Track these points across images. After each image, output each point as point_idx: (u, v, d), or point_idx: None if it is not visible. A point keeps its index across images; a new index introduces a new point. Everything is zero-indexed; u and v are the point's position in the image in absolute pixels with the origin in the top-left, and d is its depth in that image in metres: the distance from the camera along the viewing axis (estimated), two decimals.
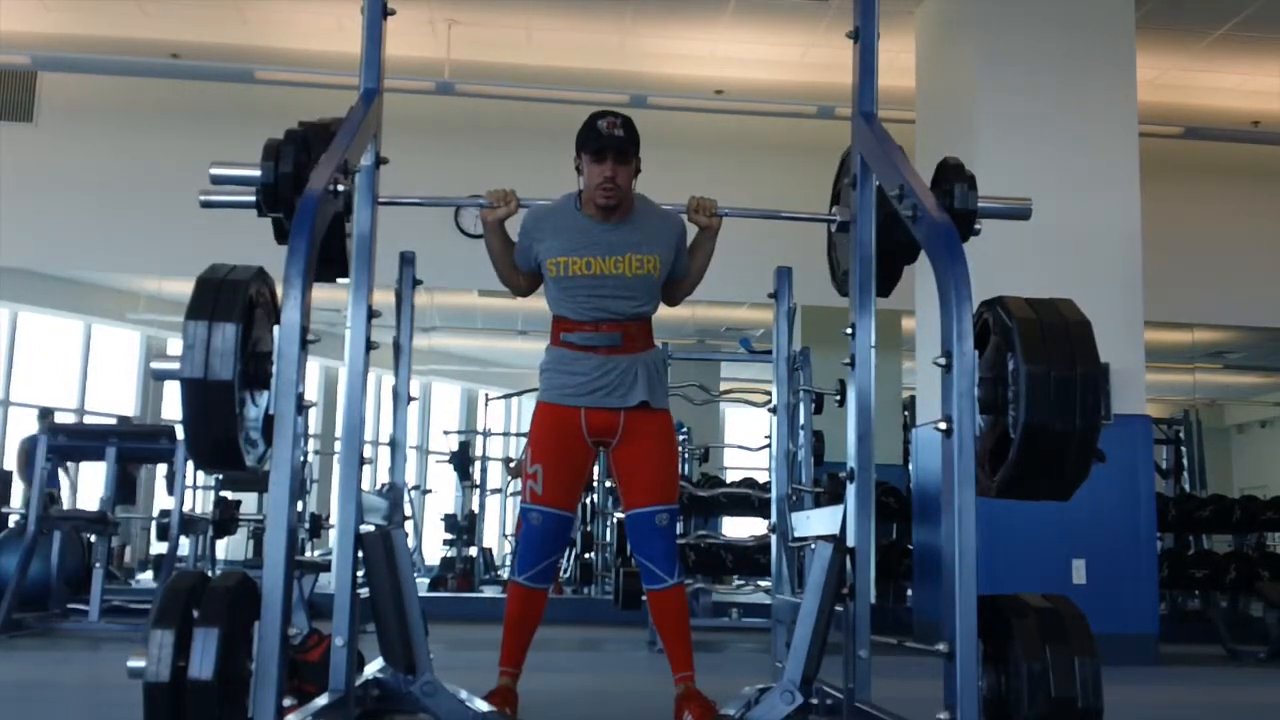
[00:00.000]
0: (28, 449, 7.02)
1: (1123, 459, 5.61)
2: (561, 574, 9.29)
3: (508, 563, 11.11)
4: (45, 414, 9.64)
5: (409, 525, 3.53)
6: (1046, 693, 2.09)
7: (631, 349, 3.14)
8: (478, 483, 11.23)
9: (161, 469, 8.91)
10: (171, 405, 11.68)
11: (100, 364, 12.32)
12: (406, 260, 3.66)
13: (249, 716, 2.03)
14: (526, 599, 3.15)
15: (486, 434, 11.57)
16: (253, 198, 2.57)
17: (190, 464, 6.21)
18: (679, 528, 3.23)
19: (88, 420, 11.65)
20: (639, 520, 3.13)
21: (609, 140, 3.03)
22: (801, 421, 6.07)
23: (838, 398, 5.52)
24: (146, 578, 9.57)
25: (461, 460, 11.21)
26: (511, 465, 10.88)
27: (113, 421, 10.54)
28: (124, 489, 6.39)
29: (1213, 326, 11.28)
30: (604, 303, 3.12)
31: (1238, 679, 5.35)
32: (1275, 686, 5.13)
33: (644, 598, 5.57)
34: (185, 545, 7.75)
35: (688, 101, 8.47)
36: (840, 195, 3.25)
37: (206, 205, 2.66)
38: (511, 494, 11.24)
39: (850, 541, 2.82)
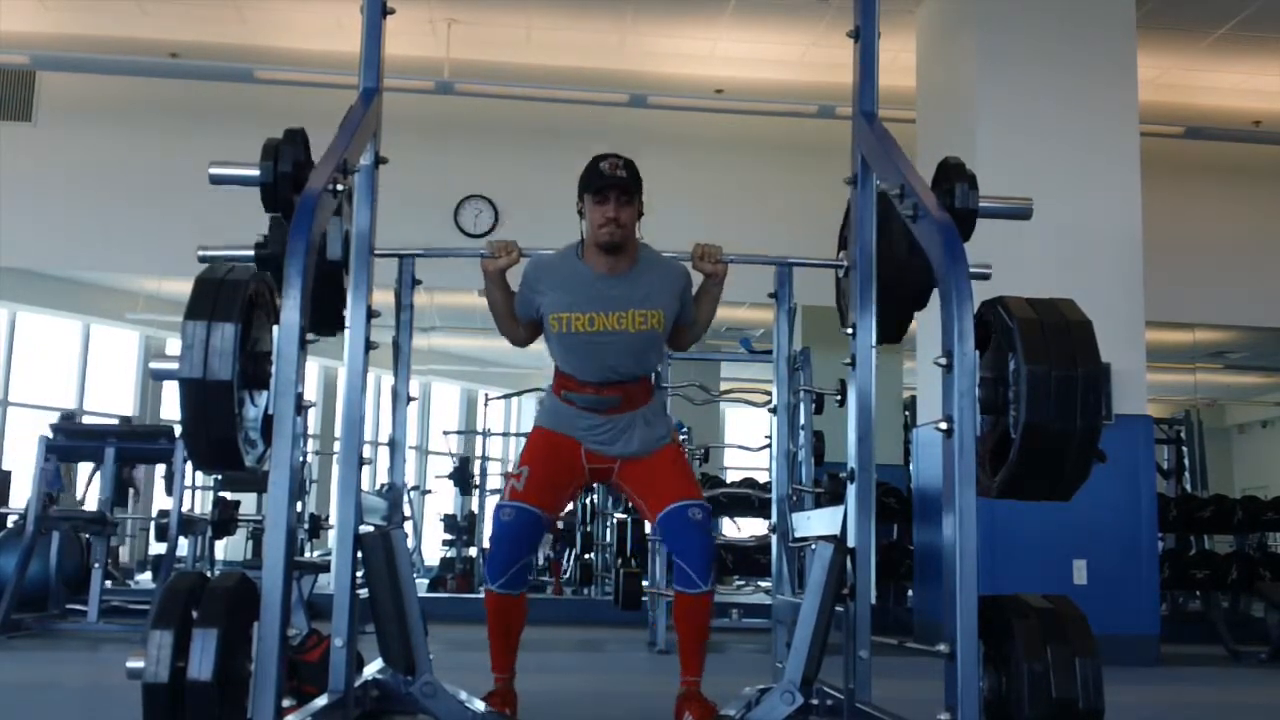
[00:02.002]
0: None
1: (1124, 459, 5.61)
2: (562, 574, 9.30)
3: None
4: (68, 416, 9.65)
5: (408, 526, 3.52)
6: (1047, 693, 2.09)
7: (630, 407, 3.14)
8: (478, 483, 11.22)
9: (160, 469, 8.90)
10: (171, 405, 11.67)
11: (99, 364, 12.32)
12: (406, 260, 3.64)
13: (248, 717, 2.03)
14: (504, 606, 3.08)
15: (486, 434, 11.56)
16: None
17: (189, 464, 6.20)
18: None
19: (86, 421, 11.63)
20: (671, 517, 3.07)
21: (611, 180, 3.02)
22: (802, 421, 6.07)
23: (838, 398, 5.51)
24: (145, 578, 9.57)
25: (461, 476, 11.17)
26: (508, 475, 10.88)
27: (113, 422, 10.52)
28: (117, 490, 6.38)
29: (1214, 326, 11.27)
30: (607, 361, 3.10)
31: (1239, 679, 5.34)
32: (1277, 687, 5.13)
33: (644, 597, 5.59)
34: (184, 546, 7.75)
35: (688, 101, 8.47)
36: (847, 242, 3.23)
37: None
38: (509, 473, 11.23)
39: (851, 542, 2.81)
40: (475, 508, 11.04)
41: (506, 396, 11.17)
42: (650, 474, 3.14)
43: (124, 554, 10.47)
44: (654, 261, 3.17)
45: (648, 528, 5.85)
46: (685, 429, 9.34)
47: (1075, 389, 2.21)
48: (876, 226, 2.90)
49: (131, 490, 7.92)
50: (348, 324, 2.85)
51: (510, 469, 9.46)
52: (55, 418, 8.58)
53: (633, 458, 3.14)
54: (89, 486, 7.67)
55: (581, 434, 3.15)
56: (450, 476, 11.29)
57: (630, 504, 3.84)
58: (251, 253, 2.57)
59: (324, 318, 2.83)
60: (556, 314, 3.09)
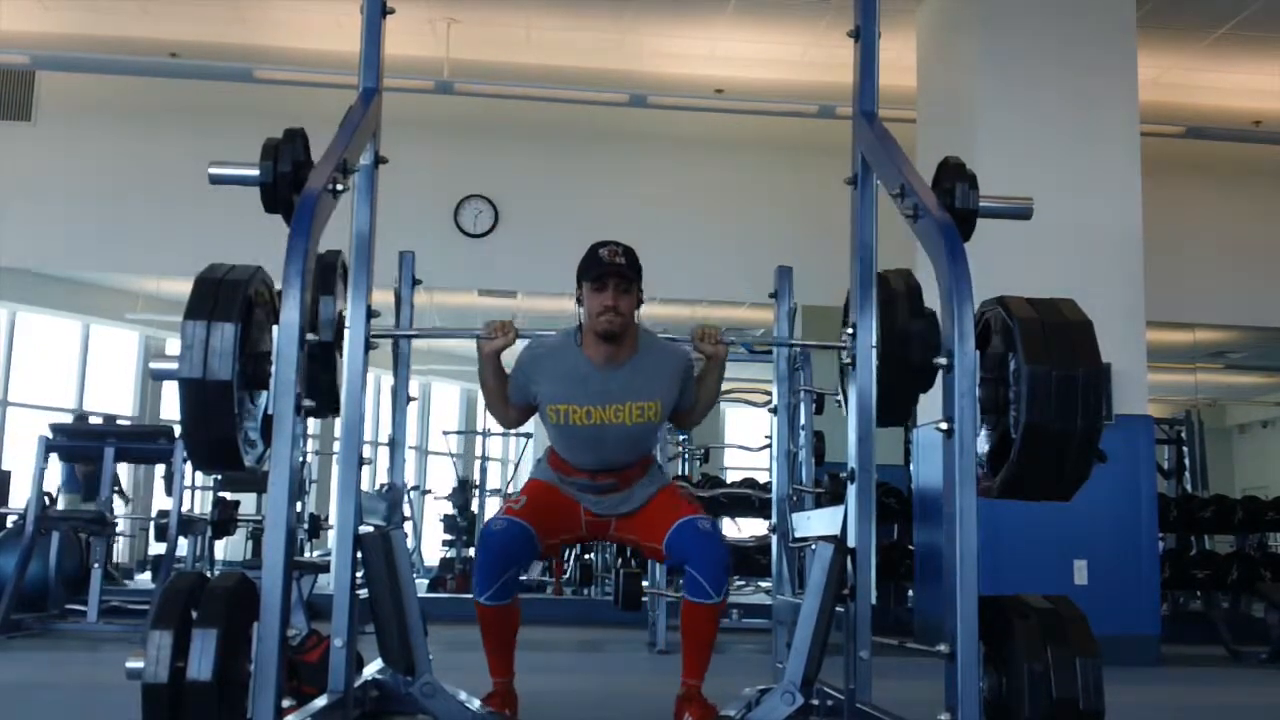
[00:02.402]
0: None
1: (1124, 459, 5.61)
2: (562, 575, 9.29)
3: None
4: (80, 417, 9.65)
5: (408, 526, 3.52)
6: (1048, 694, 2.09)
7: (625, 485, 3.14)
8: (478, 483, 11.22)
9: (160, 469, 8.90)
10: (170, 405, 11.66)
11: (99, 364, 12.32)
12: (405, 260, 3.64)
13: (248, 717, 2.03)
14: (495, 616, 3.03)
15: (486, 434, 11.57)
16: (257, 172, 2.52)
17: (189, 464, 6.19)
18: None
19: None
20: (681, 530, 3.03)
21: (610, 268, 2.97)
22: (802, 422, 6.06)
23: (838, 398, 5.50)
24: (145, 578, 9.56)
25: (462, 503, 11.13)
26: (505, 497, 10.86)
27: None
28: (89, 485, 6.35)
29: (1214, 326, 11.26)
30: (603, 454, 3.09)
31: (1240, 680, 5.34)
32: (1277, 687, 5.13)
33: (645, 598, 5.59)
34: (184, 546, 7.75)
35: (688, 101, 8.46)
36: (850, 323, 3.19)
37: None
38: (506, 495, 11.23)
39: (851, 542, 2.81)
40: (475, 508, 11.05)
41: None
42: (648, 513, 3.14)
43: (118, 554, 10.45)
44: (653, 349, 3.12)
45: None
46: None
47: (1075, 389, 2.21)
48: (880, 310, 2.86)
49: (117, 491, 7.88)
50: (348, 324, 2.85)
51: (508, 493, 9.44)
52: (55, 418, 8.58)
53: (629, 514, 3.15)
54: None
55: (577, 497, 3.16)
56: (449, 498, 11.26)
57: (634, 552, 3.82)
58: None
59: (321, 399, 2.79)
60: (554, 405, 3.05)
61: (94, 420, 9.08)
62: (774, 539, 3.76)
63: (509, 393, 3.15)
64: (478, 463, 11.37)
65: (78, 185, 8.53)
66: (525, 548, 3.04)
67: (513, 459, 12.72)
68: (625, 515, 3.16)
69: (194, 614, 2.01)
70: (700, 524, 3.04)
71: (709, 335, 3.13)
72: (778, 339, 3.88)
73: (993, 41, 6.22)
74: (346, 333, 2.83)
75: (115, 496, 6.89)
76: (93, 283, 11.64)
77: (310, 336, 2.28)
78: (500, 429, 13.63)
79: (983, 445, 2.37)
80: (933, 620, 5.79)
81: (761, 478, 7.33)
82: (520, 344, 3.16)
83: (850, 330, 2.94)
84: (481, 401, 12.19)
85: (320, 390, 2.79)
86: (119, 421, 10.33)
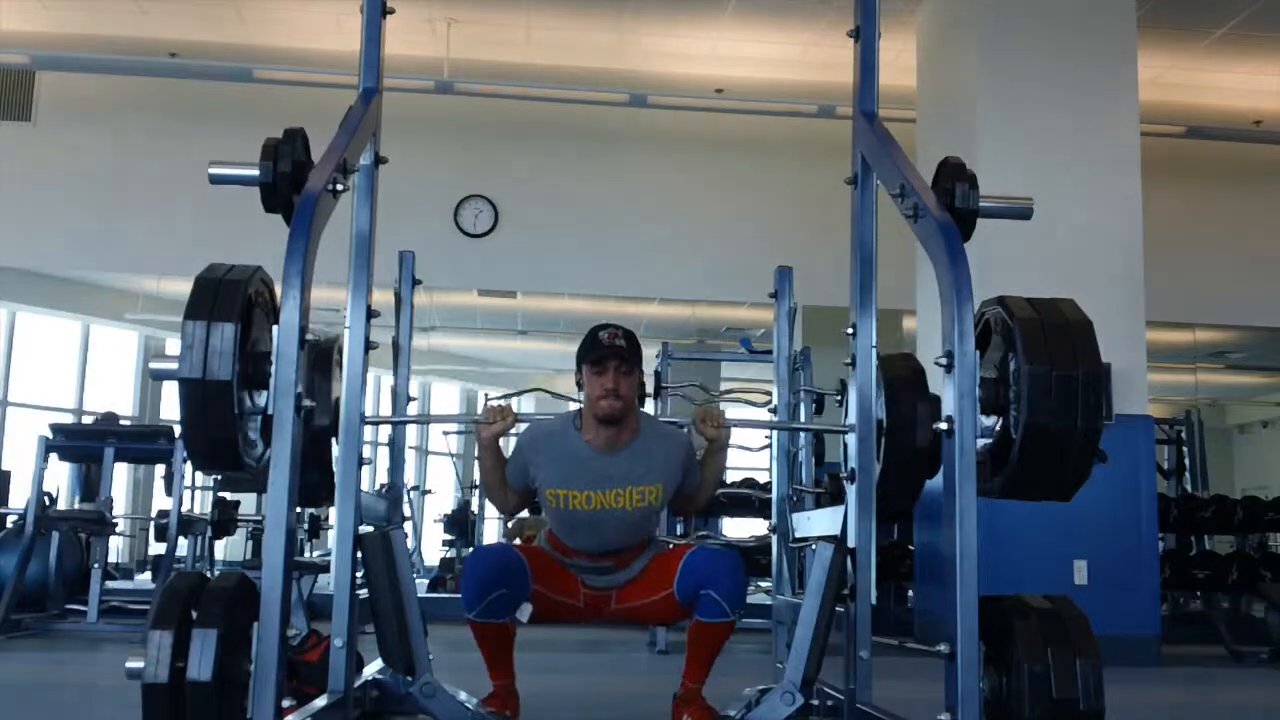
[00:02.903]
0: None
1: (1124, 459, 5.61)
2: None
3: None
4: (111, 418, 9.63)
5: (408, 526, 3.52)
6: (1048, 694, 2.09)
7: (623, 566, 3.13)
8: (476, 482, 11.21)
9: (161, 469, 8.89)
10: (170, 405, 11.65)
11: (99, 364, 12.32)
12: (406, 260, 3.64)
13: (248, 717, 2.03)
14: (484, 631, 3.01)
15: None
16: (257, 172, 2.52)
17: (189, 464, 6.19)
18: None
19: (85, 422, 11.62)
20: (694, 557, 3.01)
21: (610, 351, 2.95)
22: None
23: (838, 398, 5.50)
24: (145, 578, 9.56)
25: (461, 520, 11.12)
26: (510, 525, 10.85)
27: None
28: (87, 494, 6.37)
29: (1214, 326, 11.28)
30: (603, 539, 3.07)
31: (1240, 680, 5.34)
32: (1277, 687, 5.13)
33: None
34: (184, 546, 7.74)
35: (688, 101, 8.47)
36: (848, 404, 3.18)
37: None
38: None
39: (851, 542, 2.81)
40: (475, 508, 11.04)
41: (506, 396, 11.13)
42: (647, 573, 3.11)
43: (117, 553, 10.45)
44: (654, 434, 3.10)
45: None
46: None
47: (1076, 389, 2.20)
48: (889, 398, 2.81)
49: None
50: (347, 324, 2.84)
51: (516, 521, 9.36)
52: (55, 418, 8.58)
53: (627, 583, 3.13)
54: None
55: (576, 574, 3.14)
56: (450, 516, 11.24)
57: (640, 620, 3.79)
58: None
59: (315, 489, 2.75)
60: (553, 490, 3.03)
61: (119, 419, 9.05)
62: (774, 539, 3.75)
63: (508, 477, 3.12)
64: (477, 463, 11.35)
65: (78, 185, 8.53)
66: (516, 573, 2.98)
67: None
68: (623, 586, 3.13)
69: (194, 614, 2.01)
70: (709, 546, 3.05)
71: (710, 418, 3.09)
72: (776, 336, 3.87)
73: (992, 41, 6.23)
74: (346, 333, 2.83)
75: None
76: (92, 283, 11.64)
77: (308, 403, 2.25)
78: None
79: (982, 445, 2.37)
80: (933, 620, 5.79)
81: (761, 478, 7.33)
82: (520, 426, 3.15)
83: (850, 330, 2.94)
84: (481, 401, 12.21)
85: (319, 481, 2.75)
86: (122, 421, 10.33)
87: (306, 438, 2.25)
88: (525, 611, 2.98)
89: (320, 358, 2.82)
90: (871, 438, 2.88)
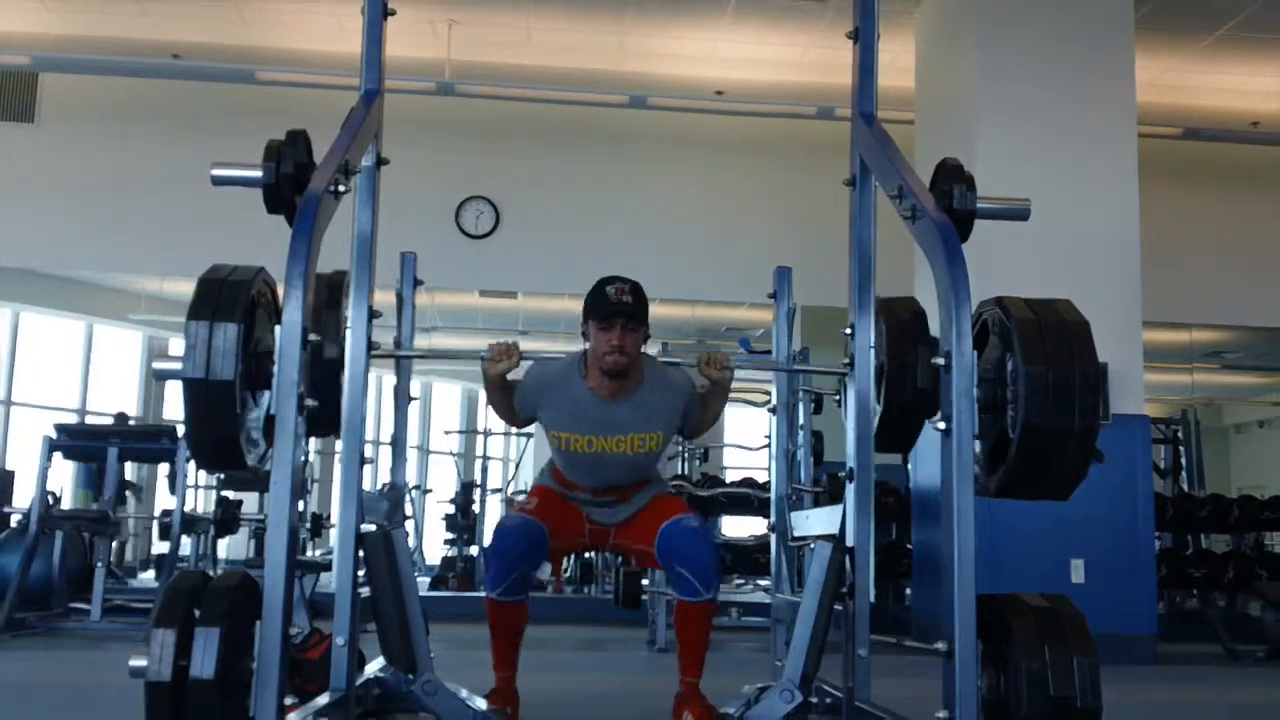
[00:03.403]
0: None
1: (1121, 459, 5.62)
2: (563, 574, 9.31)
3: None
4: (123, 418, 9.65)
5: (410, 525, 3.53)
6: (1045, 692, 2.10)
7: (626, 499, 3.19)
8: (478, 482, 11.22)
9: (164, 469, 8.91)
10: (173, 405, 11.68)
11: (102, 364, 12.33)
12: (407, 261, 3.66)
13: (250, 716, 2.04)
14: (505, 611, 3.09)
15: (487, 434, 11.58)
16: (260, 173, 2.53)
17: (192, 464, 6.21)
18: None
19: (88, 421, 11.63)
20: (669, 529, 3.08)
21: (618, 307, 2.98)
22: (801, 421, 6.08)
23: (837, 398, 5.52)
24: (148, 577, 9.57)
25: (463, 506, 11.13)
26: (512, 496, 10.86)
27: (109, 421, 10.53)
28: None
29: (1211, 326, 11.27)
30: (605, 476, 3.14)
31: (1236, 678, 5.35)
32: (1274, 686, 5.14)
33: (645, 597, 5.60)
34: (187, 545, 7.76)
35: (688, 101, 8.48)
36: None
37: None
38: (514, 493, 11.25)
39: (850, 541, 2.82)
40: (476, 507, 11.04)
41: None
42: (641, 520, 3.18)
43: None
44: (658, 382, 3.13)
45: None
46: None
47: (1073, 389, 2.22)
48: (890, 340, 2.81)
49: (130, 486, 7.90)
50: (348, 324, 2.86)
51: (516, 492, 9.41)
52: (58, 418, 8.59)
53: (625, 521, 3.19)
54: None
55: (580, 507, 3.20)
56: (452, 502, 11.26)
57: (632, 559, 3.86)
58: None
59: (322, 418, 2.75)
60: (557, 432, 3.10)
61: (129, 419, 9.07)
62: (773, 538, 3.77)
63: (515, 407, 3.18)
64: (479, 462, 11.38)
65: (80, 186, 8.54)
66: (539, 545, 3.09)
67: (513, 458, 12.74)
68: (622, 523, 3.20)
69: (197, 613, 2.02)
70: (685, 522, 3.08)
71: (715, 361, 3.12)
72: (777, 360, 3.88)
73: (991, 43, 6.24)
74: (348, 334, 2.84)
75: (128, 494, 6.90)
76: (96, 283, 11.65)
77: (314, 337, 2.28)
78: (502, 428, 13.63)
79: (980, 445, 2.38)
80: (931, 619, 5.80)
81: (760, 477, 7.34)
82: (525, 365, 3.18)
83: (849, 330, 2.95)
84: (483, 400, 12.23)
85: (328, 401, 2.76)
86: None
87: (316, 368, 2.26)
88: (545, 569, 3.05)
89: (331, 290, 2.84)
90: (870, 436, 2.89)
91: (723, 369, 3.13)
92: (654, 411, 3.09)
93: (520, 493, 9.97)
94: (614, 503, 3.19)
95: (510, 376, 3.13)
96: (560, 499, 3.21)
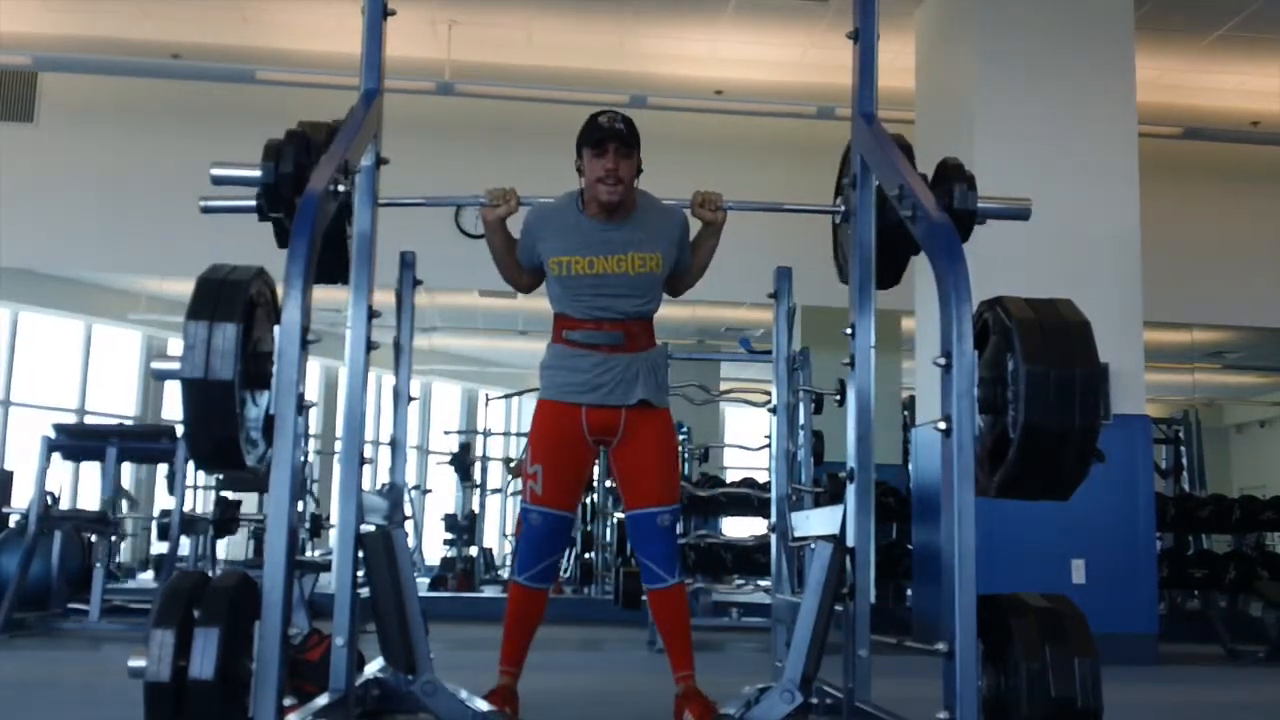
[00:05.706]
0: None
1: (1122, 459, 5.62)
2: (562, 574, 9.32)
3: (508, 562, 11.12)
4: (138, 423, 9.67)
5: (409, 525, 3.53)
6: (1046, 692, 2.09)
7: (633, 348, 3.15)
8: (478, 483, 11.23)
9: (163, 469, 8.91)
10: (172, 405, 11.68)
11: (101, 364, 12.33)
12: (407, 261, 3.66)
13: (249, 716, 2.04)
14: (527, 599, 3.17)
15: (487, 434, 11.59)
16: (253, 202, 2.56)
17: (191, 464, 6.21)
18: (679, 528, 3.24)
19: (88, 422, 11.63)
20: (640, 521, 3.15)
21: (610, 133, 3.04)
22: (801, 421, 6.07)
23: (837, 398, 5.52)
24: (147, 577, 9.58)
25: (462, 461, 11.21)
26: (512, 465, 10.90)
27: (113, 422, 10.55)
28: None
29: (1212, 326, 11.29)
30: (607, 301, 3.13)
31: (1237, 678, 5.35)
32: (1275, 686, 5.14)
33: (644, 597, 5.59)
34: (186, 545, 7.76)
35: (688, 101, 8.48)
36: (843, 189, 3.23)
37: (206, 211, 2.64)
38: (512, 493, 11.26)
39: (850, 541, 2.82)
40: (476, 506, 11.05)
41: (507, 396, 11.19)
42: (639, 463, 3.17)
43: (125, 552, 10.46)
44: (653, 206, 3.21)
45: None
46: (685, 429, 9.35)
47: (1074, 389, 2.21)
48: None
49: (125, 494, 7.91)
50: (348, 324, 2.86)
51: (519, 456, 9.43)
52: (57, 418, 8.58)
53: (639, 407, 3.13)
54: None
55: (585, 381, 3.13)
56: (451, 462, 11.30)
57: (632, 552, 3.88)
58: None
59: (329, 267, 2.82)
60: (557, 258, 3.13)
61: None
62: (773, 538, 3.77)
63: (519, 257, 3.25)
64: (478, 462, 11.38)
65: (80, 186, 8.54)
66: (564, 532, 3.22)
67: (513, 458, 12.73)
68: (627, 436, 3.14)
69: (196, 613, 2.02)
70: (660, 520, 3.13)
71: (709, 200, 3.21)
72: (776, 336, 3.88)
73: (991, 43, 6.23)
74: (347, 333, 2.84)
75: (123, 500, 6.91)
76: (95, 283, 11.66)
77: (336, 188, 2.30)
78: (500, 430, 13.63)
79: (980, 445, 2.38)
80: (931, 619, 5.80)
81: (761, 477, 7.34)
82: (523, 211, 3.24)
83: (849, 330, 2.95)
84: (482, 401, 12.20)
85: (334, 257, 2.82)
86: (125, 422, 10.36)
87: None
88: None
89: (335, 133, 2.81)
90: (870, 437, 2.89)
91: (716, 209, 3.21)
92: (651, 233, 3.15)
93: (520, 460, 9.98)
94: (620, 344, 3.12)
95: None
96: (558, 419, 3.15)
